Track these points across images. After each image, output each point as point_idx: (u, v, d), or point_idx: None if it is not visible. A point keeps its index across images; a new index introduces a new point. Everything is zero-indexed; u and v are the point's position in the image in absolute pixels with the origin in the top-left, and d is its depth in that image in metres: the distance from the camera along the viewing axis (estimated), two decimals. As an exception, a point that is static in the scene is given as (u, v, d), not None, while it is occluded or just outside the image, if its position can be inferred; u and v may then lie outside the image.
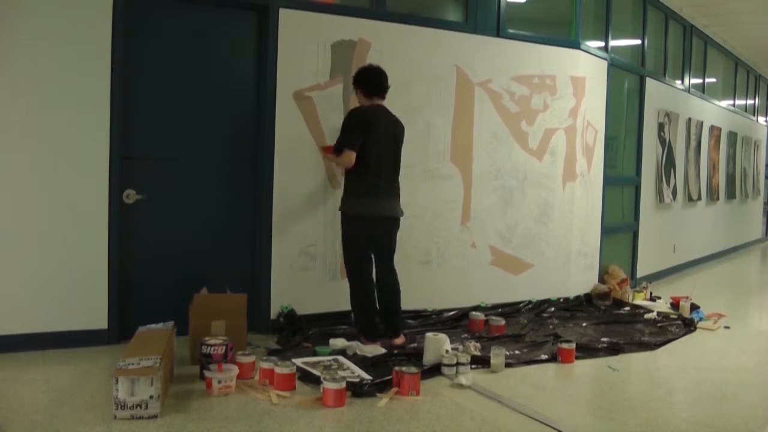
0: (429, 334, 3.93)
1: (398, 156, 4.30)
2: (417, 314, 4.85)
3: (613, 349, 4.43)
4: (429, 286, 5.02)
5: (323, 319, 4.56)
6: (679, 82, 8.35)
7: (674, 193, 8.03)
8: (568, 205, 5.77)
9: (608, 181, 6.37)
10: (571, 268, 5.81)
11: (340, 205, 4.26)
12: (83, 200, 3.91)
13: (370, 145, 4.09)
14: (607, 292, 5.93)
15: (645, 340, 4.69)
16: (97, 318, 3.97)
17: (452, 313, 4.97)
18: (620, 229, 6.88)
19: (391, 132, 4.24)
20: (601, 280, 6.25)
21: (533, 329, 4.87)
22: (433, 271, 5.05)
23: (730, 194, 10.73)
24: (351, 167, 4.11)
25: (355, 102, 4.41)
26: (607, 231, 6.37)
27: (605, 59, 6.26)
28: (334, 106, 4.61)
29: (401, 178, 4.36)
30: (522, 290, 5.51)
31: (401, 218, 4.31)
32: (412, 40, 4.91)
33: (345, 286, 4.52)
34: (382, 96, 4.26)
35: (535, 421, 3.14)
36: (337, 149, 4.18)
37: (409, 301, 4.51)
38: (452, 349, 3.89)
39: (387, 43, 4.79)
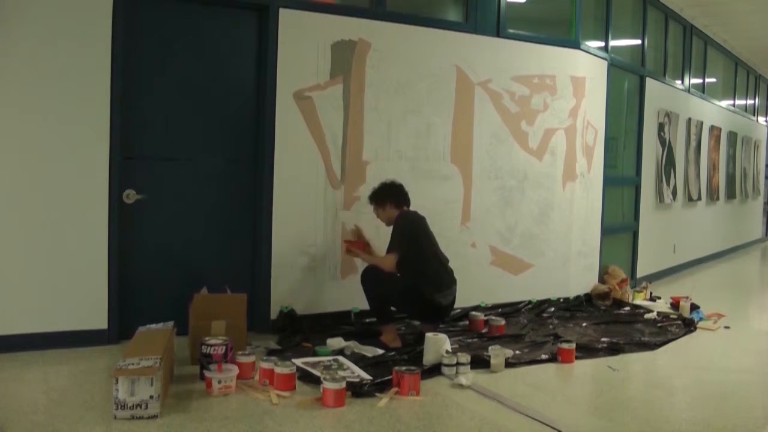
0: (429, 334, 3.92)
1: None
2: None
3: (613, 349, 4.43)
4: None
5: (323, 319, 4.56)
6: (679, 82, 8.35)
7: (674, 193, 8.03)
8: (568, 205, 5.77)
9: (608, 181, 6.36)
10: (571, 268, 5.81)
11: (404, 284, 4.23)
12: (83, 200, 3.90)
13: (427, 246, 4.27)
14: (607, 292, 5.93)
15: (645, 340, 4.68)
16: (97, 318, 3.97)
17: (452, 313, 4.96)
18: (620, 229, 6.88)
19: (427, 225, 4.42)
20: (601, 280, 6.25)
21: (533, 329, 4.87)
22: (433, 271, 5.05)
23: (730, 194, 10.73)
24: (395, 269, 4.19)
25: (355, 103, 4.41)
26: (607, 231, 6.37)
27: (605, 59, 6.25)
28: (334, 106, 4.61)
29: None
30: (522, 290, 5.51)
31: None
32: (412, 40, 4.91)
33: (345, 286, 4.54)
34: (408, 206, 4.44)
35: (535, 421, 3.14)
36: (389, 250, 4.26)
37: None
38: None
39: (387, 43, 4.79)
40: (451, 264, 4.41)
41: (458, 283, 4.40)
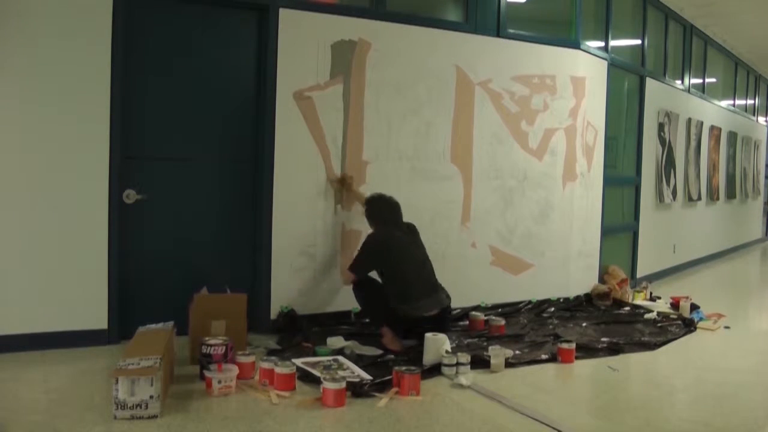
0: (429, 334, 3.92)
1: (423, 250, 4.33)
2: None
3: (613, 349, 4.43)
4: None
5: (323, 319, 4.56)
6: (679, 82, 8.35)
7: (674, 193, 8.03)
8: (568, 205, 5.77)
9: (608, 181, 6.36)
10: (571, 268, 5.81)
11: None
12: (83, 200, 3.91)
13: (396, 263, 4.13)
14: (607, 292, 5.93)
15: (645, 340, 4.68)
16: (97, 318, 3.97)
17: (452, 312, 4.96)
18: (620, 229, 6.88)
19: (408, 237, 4.31)
20: (601, 280, 6.25)
21: (533, 329, 4.87)
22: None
23: (730, 194, 10.73)
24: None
25: (355, 103, 4.41)
26: (607, 231, 6.37)
27: (605, 59, 6.25)
28: (334, 106, 4.61)
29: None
30: (522, 290, 5.51)
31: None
32: (412, 40, 4.91)
33: (345, 286, 4.53)
34: (398, 227, 4.30)
35: (535, 421, 3.14)
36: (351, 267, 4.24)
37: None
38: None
39: (387, 43, 4.79)
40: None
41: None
